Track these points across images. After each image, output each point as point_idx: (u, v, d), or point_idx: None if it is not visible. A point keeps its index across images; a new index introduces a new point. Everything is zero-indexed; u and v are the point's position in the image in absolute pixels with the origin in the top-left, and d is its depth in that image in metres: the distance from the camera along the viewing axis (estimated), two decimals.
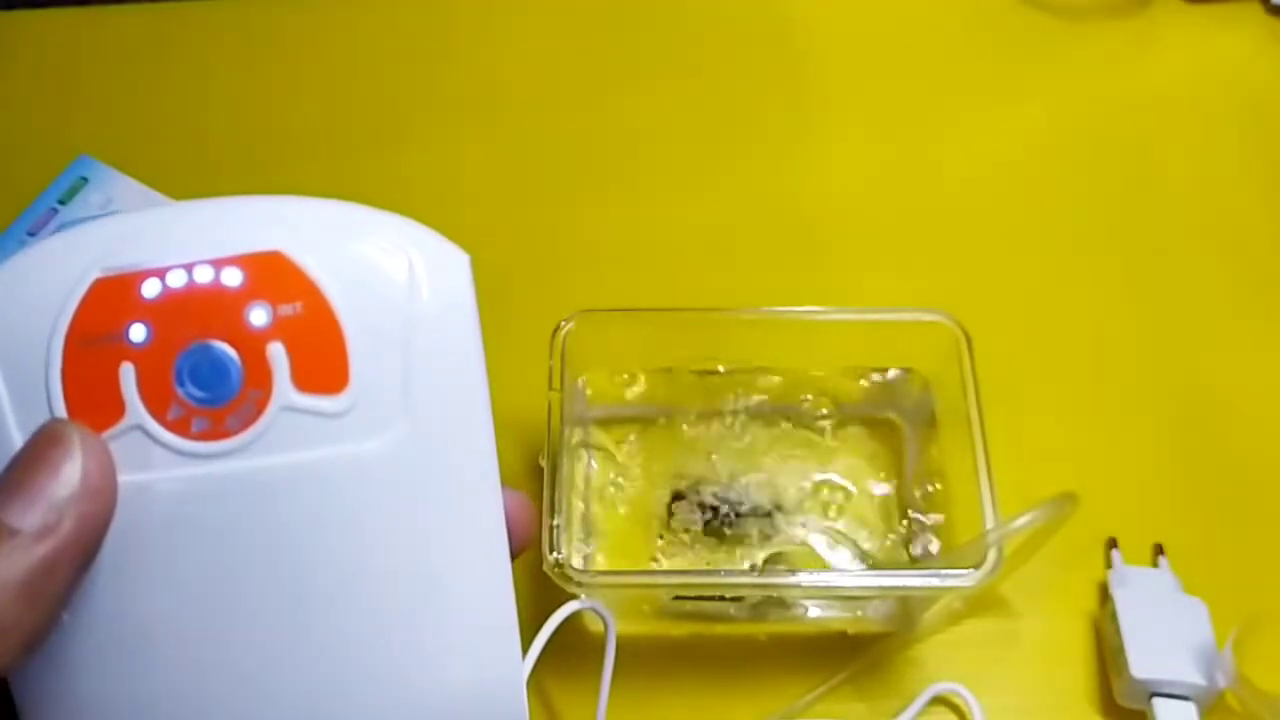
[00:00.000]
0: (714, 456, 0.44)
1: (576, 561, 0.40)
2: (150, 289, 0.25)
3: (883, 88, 0.57)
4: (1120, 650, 0.39)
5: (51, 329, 0.24)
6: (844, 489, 0.43)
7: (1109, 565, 0.43)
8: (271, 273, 0.25)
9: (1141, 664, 0.39)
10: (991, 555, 0.37)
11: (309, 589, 0.25)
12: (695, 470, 0.44)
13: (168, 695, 0.25)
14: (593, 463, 0.44)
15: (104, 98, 0.57)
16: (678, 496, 0.43)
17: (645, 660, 0.41)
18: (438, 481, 0.25)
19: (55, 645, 0.24)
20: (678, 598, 0.41)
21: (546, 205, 0.53)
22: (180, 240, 0.25)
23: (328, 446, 0.25)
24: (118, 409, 0.24)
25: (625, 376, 0.45)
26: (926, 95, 0.56)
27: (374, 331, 0.25)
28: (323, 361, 0.25)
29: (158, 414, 0.24)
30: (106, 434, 0.24)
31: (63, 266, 0.25)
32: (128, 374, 0.24)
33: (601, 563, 0.42)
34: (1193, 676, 0.38)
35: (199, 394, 0.24)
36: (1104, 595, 0.42)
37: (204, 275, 0.25)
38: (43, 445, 0.23)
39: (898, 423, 0.45)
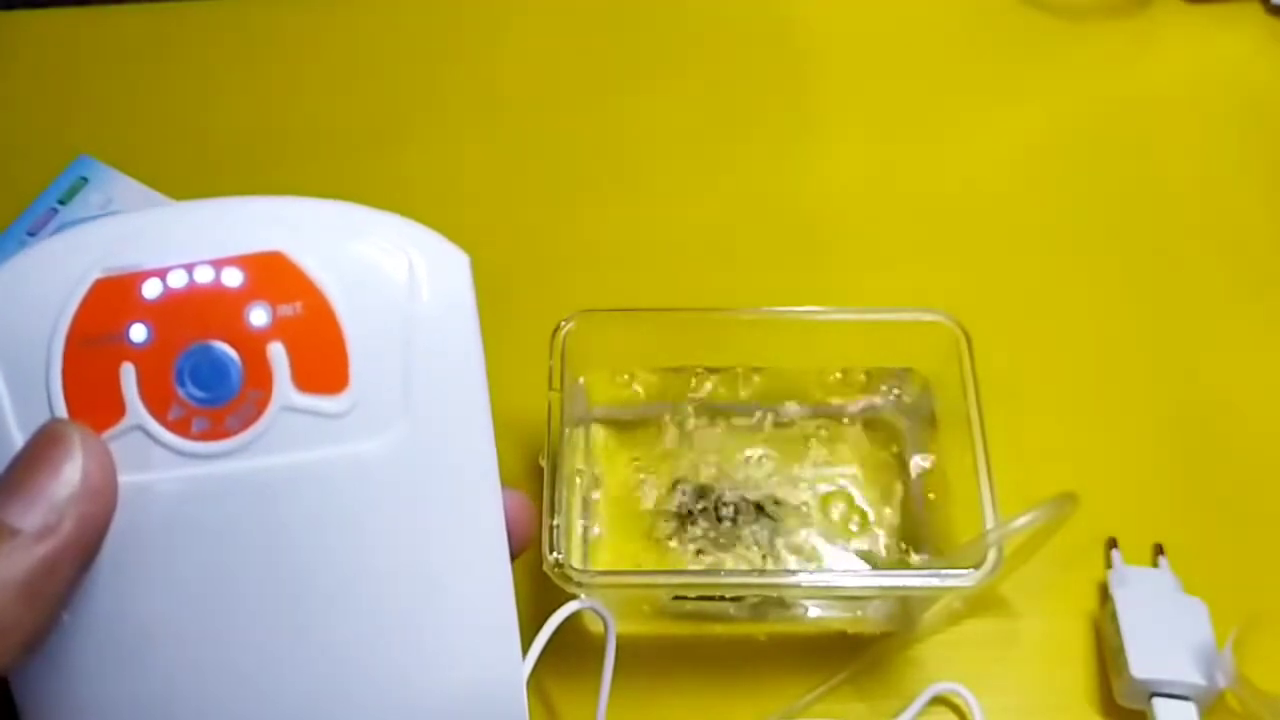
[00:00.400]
0: (714, 456, 0.44)
1: (576, 561, 0.40)
2: (151, 289, 0.25)
3: (883, 87, 0.57)
4: (1120, 650, 0.39)
5: (52, 329, 0.24)
6: (844, 489, 0.43)
7: (1109, 565, 0.43)
8: (272, 273, 0.25)
9: (1141, 664, 0.39)
10: (991, 555, 0.37)
11: (309, 589, 0.25)
12: (695, 470, 0.44)
13: (168, 695, 0.25)
14: (593, 463, 0.44)
15: (104, 98, 0.57)
16: (678, 496, 0.43)
17: (645, 660, 0.41)
18: (438, 482, 0.25)
19: (55, 645, 0.24)
20: (678, 598, 0.41)
21: (546, 205, 0.53)
22: (181, 240, 0.25)
23: (328, 447, 0.25)
24: (118, 409, 0.24)
25: (625, 376, 0.45)
26: (926, 95, 0.56)
27: (374, 332, 0.25)
28: (323, 362, 0.25)
29: (158, 414, 0.24)
30: (107, 434, 0.24)
31: (63, 267, 0.25)
32: (128, 374, 0.24)
33: (601, 563, 0.42)
34: (1193, 676, 0.38)
35: (199, 394, 0.24)
36: (1104, 595, 0.42)
37: (204, 275, 0.25)
38: (43, 445, 0.23)
39: (898, 423, 0.45)
